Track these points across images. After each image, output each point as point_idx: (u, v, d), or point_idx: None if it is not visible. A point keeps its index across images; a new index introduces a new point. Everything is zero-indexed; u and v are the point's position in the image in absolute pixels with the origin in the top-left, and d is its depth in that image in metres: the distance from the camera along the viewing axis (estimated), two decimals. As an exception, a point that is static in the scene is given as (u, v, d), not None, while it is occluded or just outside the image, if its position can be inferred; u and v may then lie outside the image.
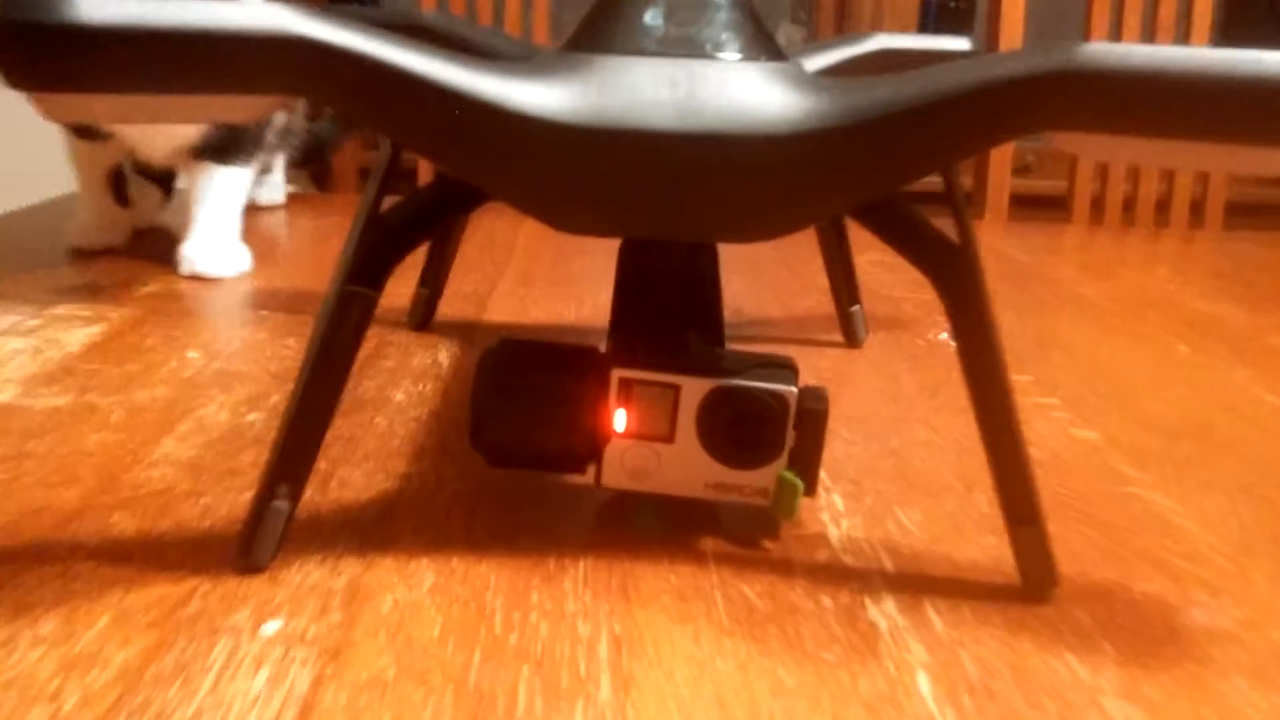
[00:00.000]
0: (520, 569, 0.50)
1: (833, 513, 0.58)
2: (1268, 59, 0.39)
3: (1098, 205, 1.65)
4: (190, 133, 1.00)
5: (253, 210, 1.33)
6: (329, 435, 0.63)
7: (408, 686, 0.41)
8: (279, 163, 1.38)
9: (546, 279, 1.07)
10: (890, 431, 0.70)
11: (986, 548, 0.54)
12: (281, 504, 0.49)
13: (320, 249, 1.18)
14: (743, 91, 0.44)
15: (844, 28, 1.79)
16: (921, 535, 0.55)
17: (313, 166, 1.51)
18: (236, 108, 0.43)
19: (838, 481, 0.61)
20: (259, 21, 0.40)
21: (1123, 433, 0.71)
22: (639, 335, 0.54)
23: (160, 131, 0.99)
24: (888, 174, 0.44)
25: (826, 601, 0.49)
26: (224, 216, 1.03)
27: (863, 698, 0.42)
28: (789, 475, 0.52)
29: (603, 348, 0.55)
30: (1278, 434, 0.72)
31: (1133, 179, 1.64)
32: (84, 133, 1.04)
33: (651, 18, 0.48)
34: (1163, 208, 1.65)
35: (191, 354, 0.79)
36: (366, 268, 0.48)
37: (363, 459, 0.61)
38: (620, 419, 0.52)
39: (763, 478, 0.52)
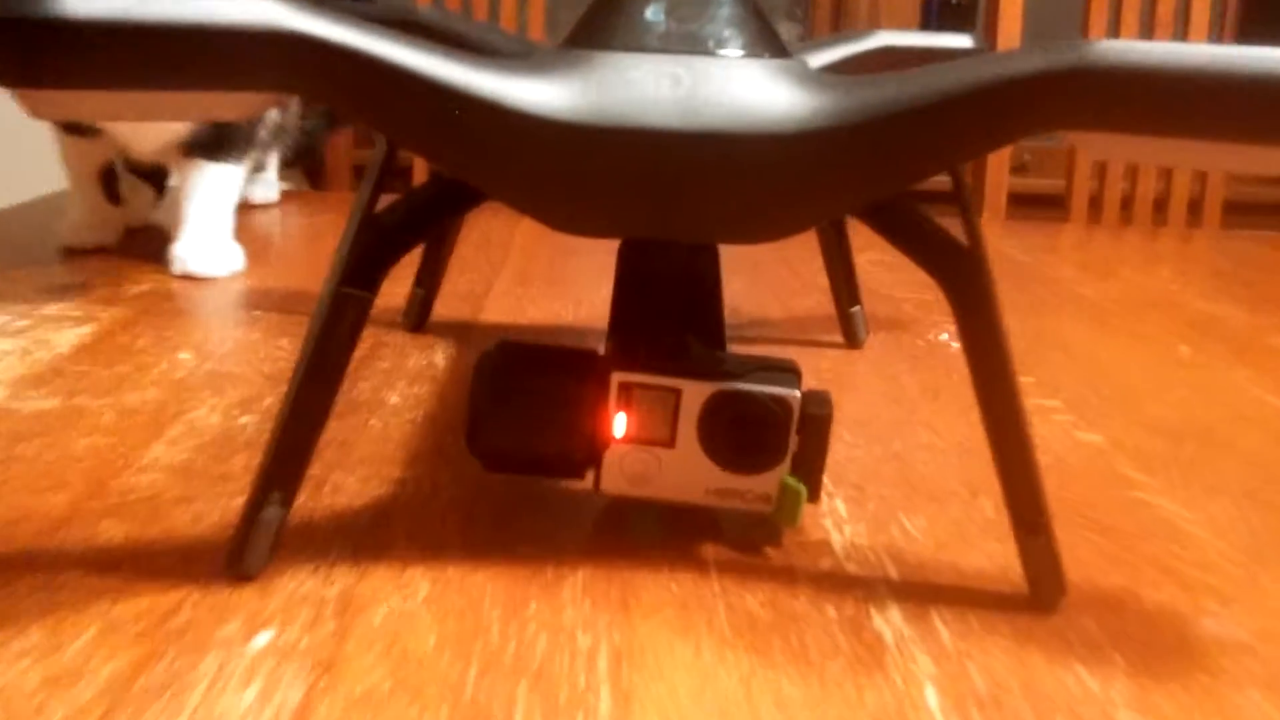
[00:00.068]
0: (518, 578, 0.49)
1: (835, 519, 0.57)
2: (1291, 57, 0.38)
3: (1095, 204, 1.64)
4: (180, 129, 0.98)
5: (246, 208, 1.32)
6: (322, 439, 0.62)
7: (402, 701, 0.40)
8: (273, 160, 1.36)
9: (543, 279, 1.06)
10: (892, 434, 0.69)
11: (993, 555, 0.53)
12: (273, 511, 0.48)
13: (315, 248, 1.16)
14: (747, 89, 0.43)
15: (840, 24, 1.78)
16: (926, 542, 0.54)
17: (304, 163, 1.50)
18: (227, 105, 0.42)
19: (840, 486, 0.60)
20: (251, 16, 0.39)
21: (1127, 436, 0.70)
22: (639, 338, 0.53)
23: (150, 127, 0.98)
24: (895, 174, 0.43)
25: (831, 611, 0.48)
26: (216, 215, 1.02)
27: (869, 711, 0.41)
28: (792, 481, 0.51)
29: (602, 350, 0.54)
30: (1284, 437, 0.71)
31: (1130, 178, 1.63)
32: (74, 129, 1.03)
33: (653, 13, 0.47)
34: (1160, 206, 1.65)
35: (183, 355, 0.77)
36: (361, 269, 0.47)
37: (357, 464, 0.60)
38: (620, 423, 0.51)
39: (765, 483, 0.51)
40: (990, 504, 0.59)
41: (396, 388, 0.73)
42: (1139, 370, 0.85)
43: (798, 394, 0.50)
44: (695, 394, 0.50)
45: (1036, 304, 1.05)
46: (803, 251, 1.23)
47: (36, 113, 0.41)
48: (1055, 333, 0.95)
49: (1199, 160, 0.40)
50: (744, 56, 0.45)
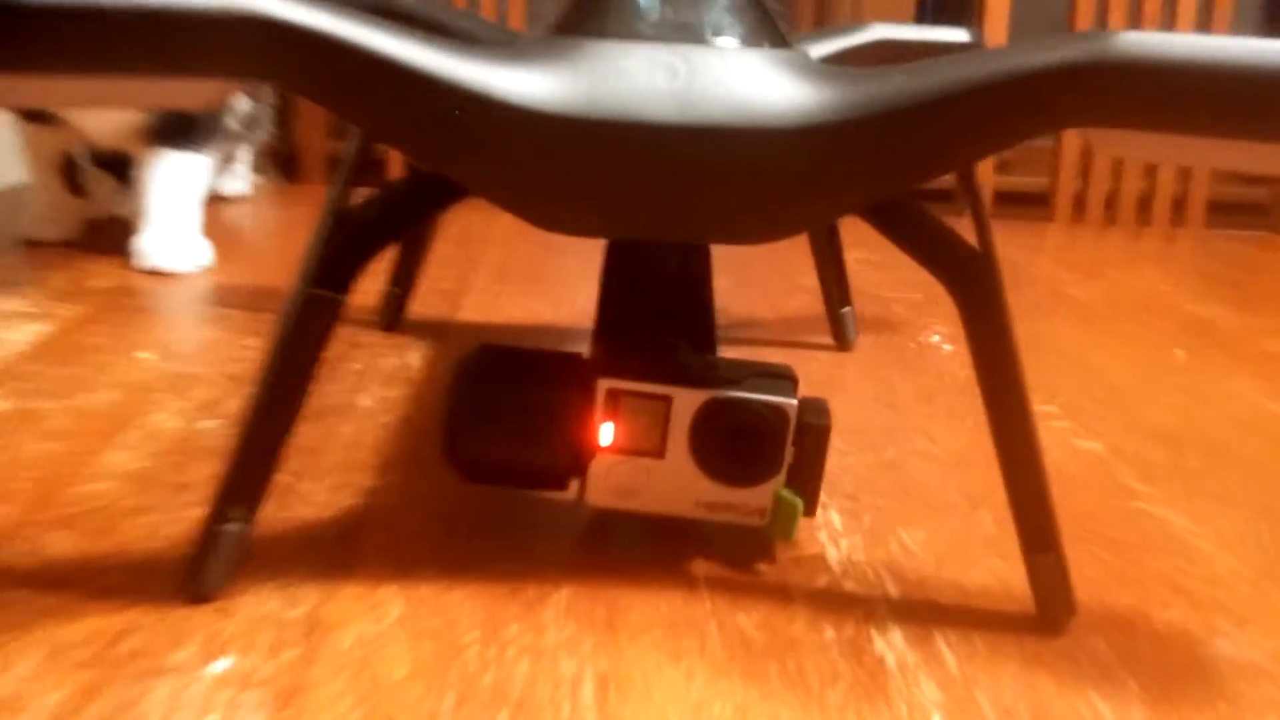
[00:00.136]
0: (497, 597, 0.46)
1: (831, 531, 0.54)
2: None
3: (1079, 202, 1.62)
4: (142, 114, 0.95)
5: (216, 201, 1.28)
6: (290, 446, 0.58)
7: (372, 736, 0.37)
8: (244, 152, 1.32)
9: (524, 276, 1.03)
10: (887, 441, 0.66)
11: (996, 571, 0.51)
12: (233, 527, 0.45)
13: (286, 243, 1.13)
14: (746, 81, 0.41)
15: (823, 12, 1.75)
16: (926, 557, 0.52)
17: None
18: (187, 93, 0.39)
19: (834, 496, 0.58)
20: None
21: (1126, 443, 0.68)
22: (627, 342, 0.50)
23: (110, 112, 0.94)
24: (904, 171, 0.41)
25: (829, 633, 0.45)
26: (181, 207, 0.98)
27: (874, 746, 0.38)
28: (787, 494, 0.48)
29: (586, 354, 0.51)
30: (1288, 446, 0.69)
31: (1115, 176, 1.61)
32: (35, 117, 0.99)
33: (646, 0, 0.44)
34: (1144, 205, 1.63)
35: (144, 355, 0.74)
36: (332, 269, 0.44)
37: (326, 472, 0.57)
38: (607, 433, 0.48)
39: (759, 496, 0.49)
40: (990, 516, 0.56)
41: (369, 390, 0.69)
42: (1134, 374, 0.83)
43: (795, 402, 0.48)
44: (687, 402, 0.48)
45: (1028, 306, 1.03)
46: (790, 250, 1.20)
47: (-2, 99, 0.38)
48: (1048, 335, 0.92)
49: (1225, 159, 0.37)
50: (742, 46, 0.43)
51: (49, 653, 0.41)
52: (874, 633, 0.45)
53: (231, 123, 1.09)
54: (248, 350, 0.76)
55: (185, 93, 0.39)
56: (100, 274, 0.94)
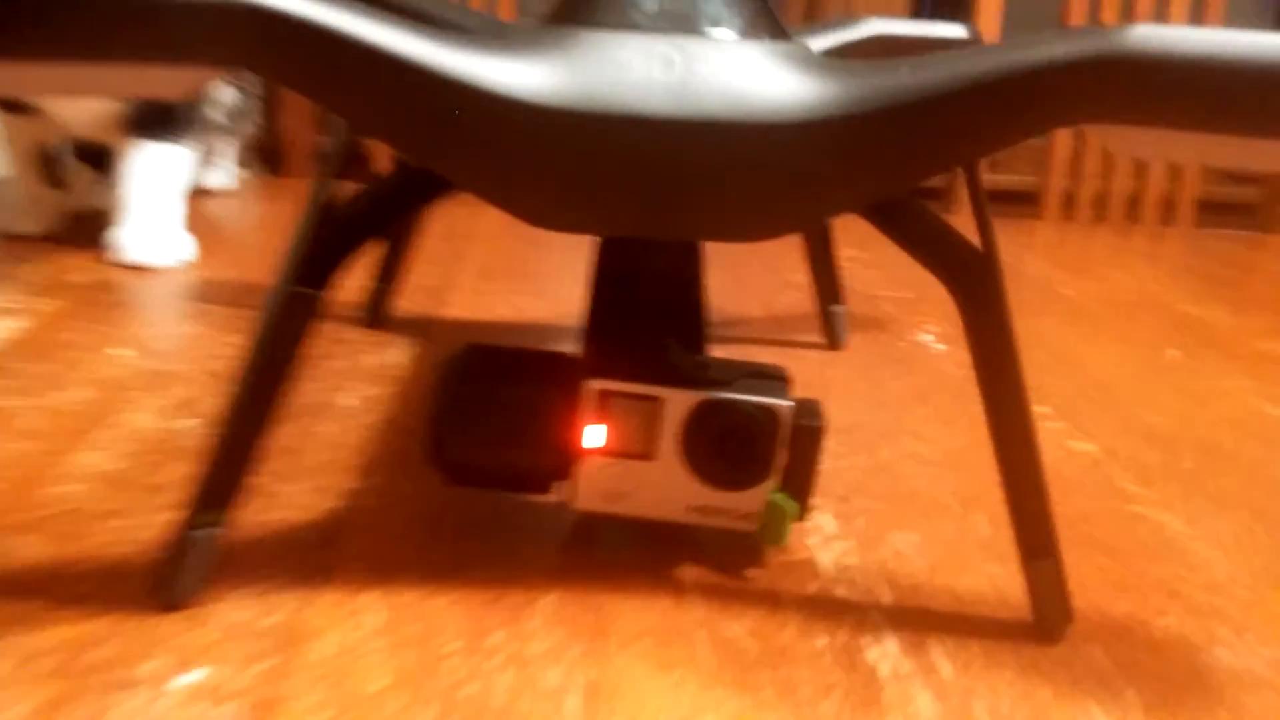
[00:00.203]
0: (480, 604, 0.45)
1: (822, 535, 0.53)
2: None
3: (1069, 201, 1.62)
4: (120, 103, 0.93)
5: (199, 195, 1.26)
6: (268, 445, 0.57)
7: (350, 750, 0.36)
8: (229, 144, 1.30)
9: (510, 272, 1.02)
10: (879, 442, 0.65)
11: (992, 577, 0.50)
12: (207, 532, 0.43)
13: (271, 237, 1.11)
14: (745, 73, 0.39)
15: (813, 6, 1.73)
16: (920, 562, 0.51)
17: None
18: (169, 81, 0.37)
19: (826, 499, 0.57)
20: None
21: (1121, 445, 0.67)
22: (617, 342, 0.49)
23: (88, 101, 0.92)
24: (907, 168, 0.39)
25: (822, 641, 0.44)
26: (162, 200, 0.96)
27: (869, 760, 0.37)
28: (779, 498, 0.47)
29: (575, 353, 0.50)
30: (1284, 448, 0.68)
31: (1105, 175, 1.61)
32: (12, 107, 0.97)
33: (637, -13, 0.43)
34: (1133, 204, 1.63)
35: (121, 351, 0.72)
36: (314, 266, 0.43)
37: (305, 473, 0.56)
38: (595, 435, 0.47)
39: (751, 500, 0.47)
40: (985, 520, 0.55)
41: (351, 389, 0.68)
42: (1127, 374, 0.82)
43: (788, 404, 0.47)
44: (678, 404, 0.46)
45: (1019, 304, 1.02)
46: (780, 246, 1.19)
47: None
48: (1040, 334, 0.92)
49: (1239, 157, 0.36)
50: (741, 38, 0.41)
51: (16, 663, 0.39)
52: (867, 641, 0.44)
53: (215, 114, 1.07)
54: (229, 347, 0.74)
55: (166, 81, 0.37)
56: (78, 268, 0.92)
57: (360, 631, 0.42)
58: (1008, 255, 1.27)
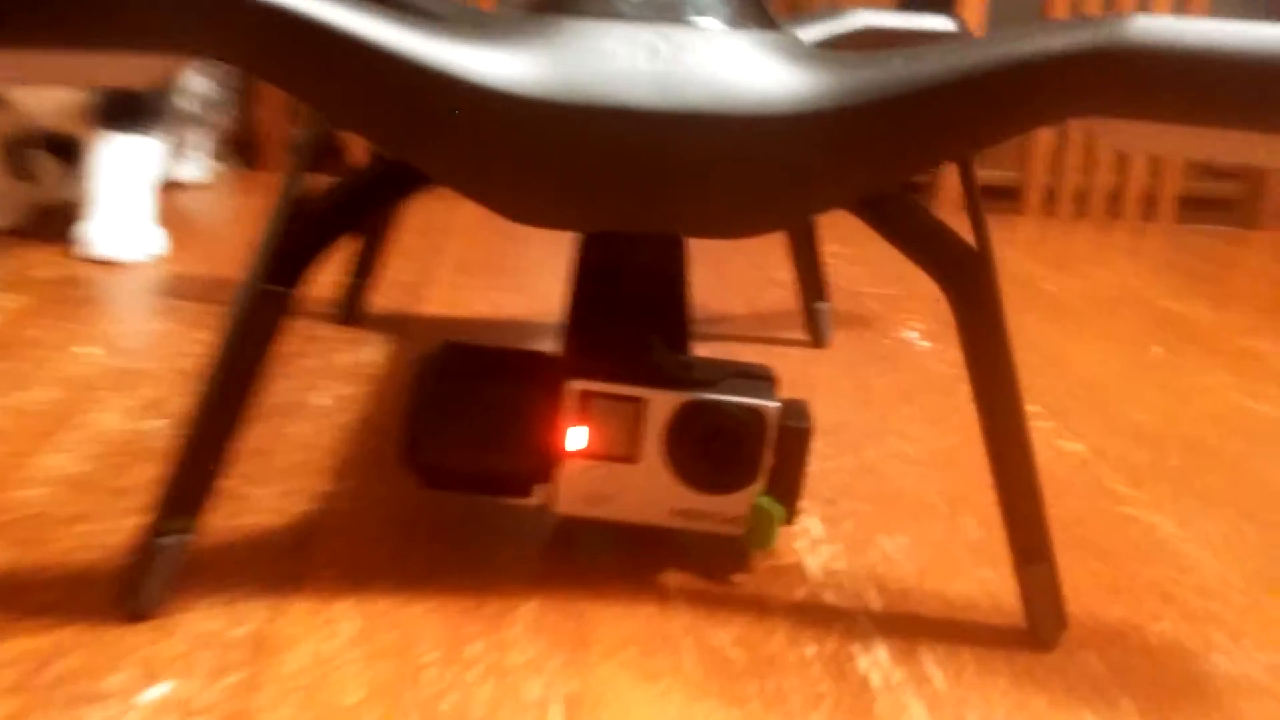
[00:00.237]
0: (458, 612, 0.43)
1: (809, 539, 0.52)
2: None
3: (1050, 196, 1.61)
4: (82, 91, 0.90)
5: (171, 188, 1.23)
6: (239, 447, 0.55)
7: (322, 769, 0.34)
8: (202, 136, 1.28)
9: (489, 267, 1.00)
10: (865, 442, 0.64)
11: (983, 581, 0.49)
12: (175, 539, 0.41)
13: (246, 231, 1.09)
14: (732, 64, 0.38)
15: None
16: (909, 566, 0.50)
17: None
18: (135, 69, 0.36)
19: (812, 501, 0.55)
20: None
21: (1109, 444, 0.66)
22: (599, 341, 0.48)
23: (52, 91, 0.90)
24: (901, 163, 0.38)
25: (810, 649, 0.43)
26: (131, 193, 0.94)
27: (861, 774, 0.36)
28: (766, 502, 0.46)
29: (555, 351, 0.49)
30: (1273, 449, 0.68)
31: (1086, 170, 1.61)
32: (-24, 99, 0.95)
33: (621, -26, 0.41)
34: (1114, 199, 1.63)
35: (88, 349, 0.70)
36: (285, 263, 0.41)
37: (277, 476, 0.54)
38: (577, 436, 0.45)
39: (736, 504, 0.46)
40: (973, 521, 0.54)
41: (325, 388, 0.66)
42: (1112, 371, 0.81)
43: (775, 405, 0.45)
44: (662, 405, 0.45)
45: (1004, 301, 1.01)
46: (763, 241, 1.18)
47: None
48: (1025, 332, 0.91)
49: (1239, 153, 0.35)
50: (728, 27, 0.40)
51: (-29, 677, 0.38)
52: (857, 649, 0.43)
53: (187, 104, 1.05)
54: (199, 345, 0.73)
55: (133, 69, 0.36)
56: (45, 263, 0.90)
57: (334, 641, 0.41)
58: (990, 251, 1.26)
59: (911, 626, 0.45)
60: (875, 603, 0.46)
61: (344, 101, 0.37)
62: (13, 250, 0.93)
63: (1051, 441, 0.66)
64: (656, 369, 0.46)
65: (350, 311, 0.79)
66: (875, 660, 0.42)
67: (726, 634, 0.43)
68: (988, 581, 0.49)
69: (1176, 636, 0.46)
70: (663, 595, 0.46)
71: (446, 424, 0.46)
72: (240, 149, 1.47)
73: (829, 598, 0.47)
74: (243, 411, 0.41)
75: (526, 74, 0.37)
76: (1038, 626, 0.44)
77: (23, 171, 1.01)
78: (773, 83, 0.37)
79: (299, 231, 0.42)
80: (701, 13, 0.40)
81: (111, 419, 0.59)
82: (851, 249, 1.17)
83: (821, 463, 0.60)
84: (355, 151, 1.42)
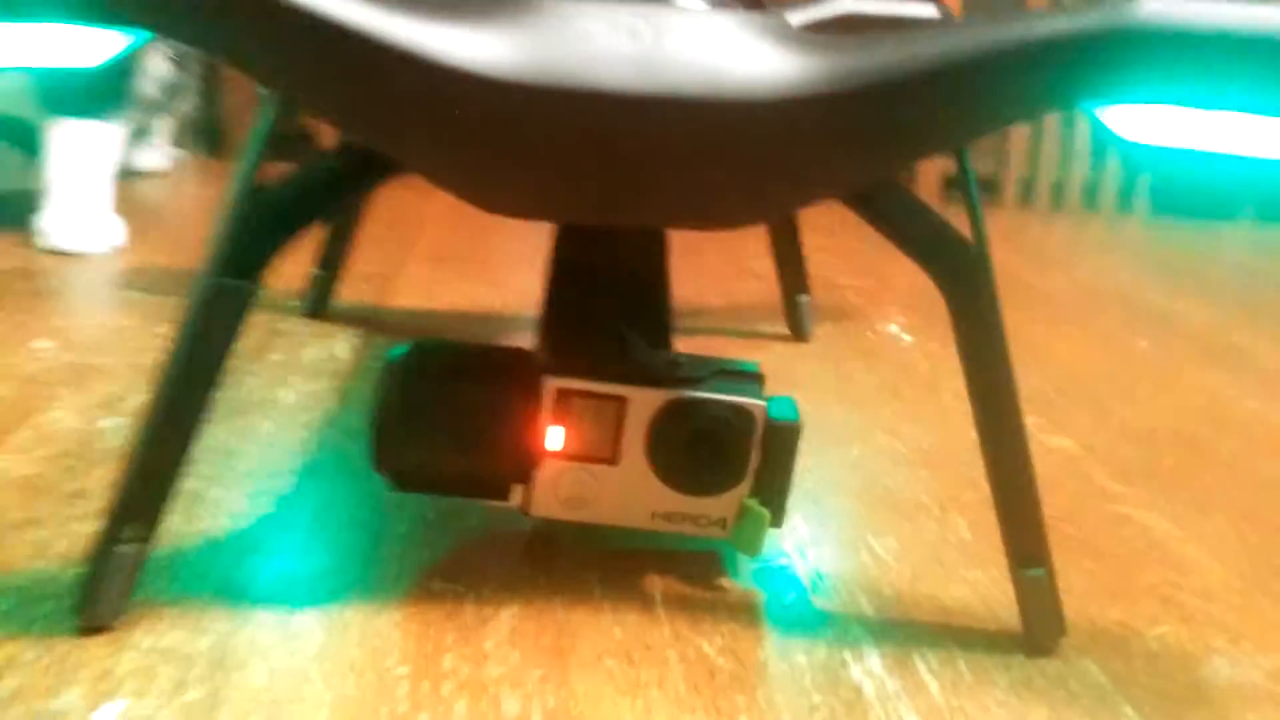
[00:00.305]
0: (431, 621, 0.41)
1: (797, 540, 0.50)
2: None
3: (1027, 188, 1.61)
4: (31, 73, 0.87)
5: (131, 177, 1.20)
6: (200, 447, 0.53)
7: (286, 796, 0.32)
8: (163, 123, 1.24)
9: (460, 258, 0.98)
10: (851, 439, 0.62)
11: (975, 585, 0.47)
12: (130, 547, 0.39)
13: (208, 222, 1.06)
14: (718, 46, 0.36)
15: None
16: (901, 569, 0.48)
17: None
18: (81, 46, 0.34)
19: (799, 500, 0.54)
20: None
21: (1099, 441, 0.65)
22: (577, 336, 0.46)
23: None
24: (895, 151, 0.36)
25: (800, 658, 0.41)
26: (88, 181, 0.91)
27: (857, 793, 0.34)
28: (753, 504, 0.44)
29: (530, 346, 0.46)
30: (1266, 445, 0.66)
31: (1063, 162, 1.60)
32: (-74, 84, 0.91)
33: (601, -50, 0.39)
34: (1090, 192, 1.62)
35: (41, 344, 0.67)
36: (243, 255, 0.39)
37: (241, 477, 0.51)
38: (555, 437, 0.43)
39: (722, 506, 0.44)
40: (964, 521, 0.53)
41: (291, 383, 0.64)
42: (1098, 366, 0.80)
43: (763, 403, 0.43)
44: (644, 403, 0.43)
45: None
46: (739, 232, 1.16)
47: None
48: (1009, 326, 0.89)
49: (1256, 142, 0.34)
50: (713, 7, 0.38)
51: (-92, 697, 0.35)
52: (849, 657, 0.41)
53: (148, 89, 1.01)
54: (158, 339, 0.70)
55: (79, 46, 0.34)
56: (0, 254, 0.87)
57: (298, 657, 0.39)
58: (969, 243, 1.25)
59: (904, 633, 0.43)
60: (866, 607, 0.45)
61: (306, 84, 0.35)
62: (-35, 241, 0.90)
63: (1039, 438, 0.65)
64: (638, 366, 0.44)
65: (317, 304, 0.76)
66: (868, 669, 0.41)
67: (712, 644, 0.41)
68: (980, 584, 0.47)
69: (1177, 641, 0.44)
70: (646, 602, 0.44)
71: (417, 425, 0.44)
72: (206, 136, 1.43)
73: (819, 603, 0.45)
74: (200, 412, 0.39)
75: (499, 55, 0.35)
76: (1035, 632, 0.43)
77: (-23, 159, 0.98)
78: (761, 66, 0.35)
79: (257, 222, 0.39)
80: (688, -10, 0.38)
81: (66, 418, 0.57)
82: (828, 240, 1.15)
83: (807, 460, 0.59)
84: (326, 138, 1.38)
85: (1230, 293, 1.08)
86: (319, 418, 0.59)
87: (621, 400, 0.43)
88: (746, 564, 0.47)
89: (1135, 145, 0.38)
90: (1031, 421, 0.67)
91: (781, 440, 0.44)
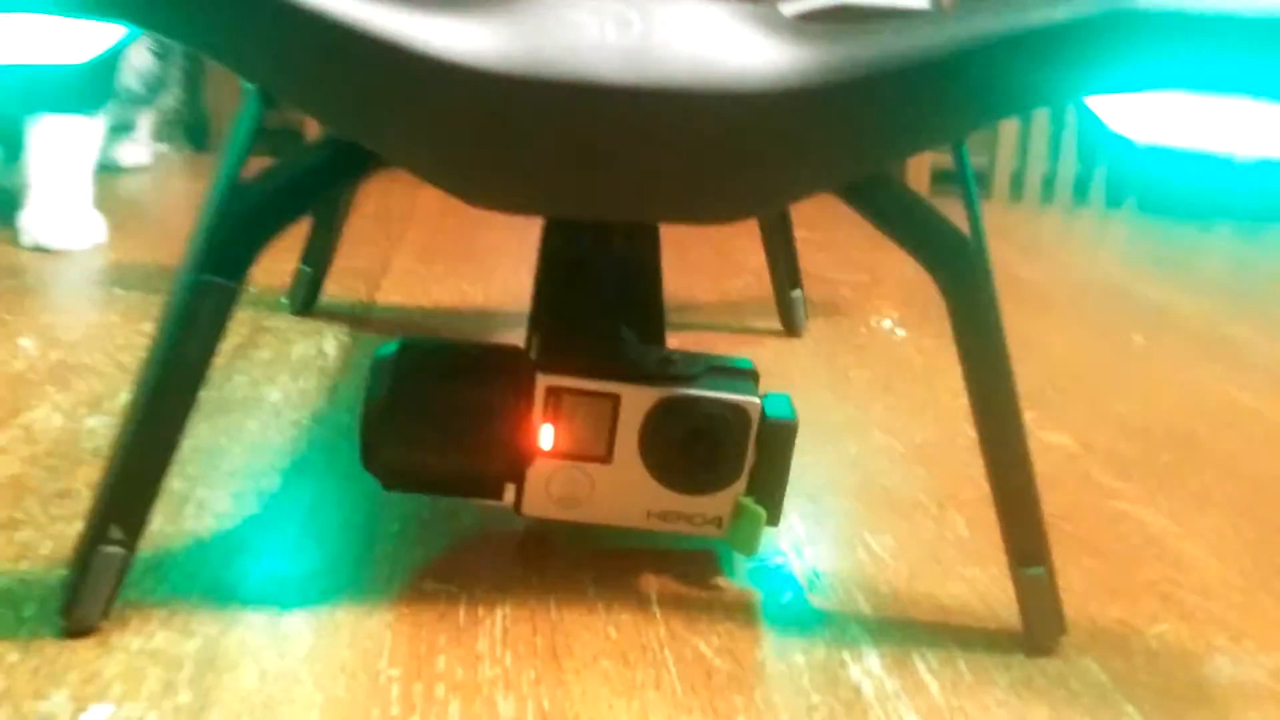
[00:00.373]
0: (423, 623, 0.41)
1: (793, 538, 0.49)
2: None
3: (1016, 182, 1.61)
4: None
5: (114, 172, 1.18)
6: (186, 447, 0.52)
7: (276, 803, 0.32)
8: (146, 117, 1.23)
9: (449, 254, 0.97)
10: (846, 436, 0.62)
11: (974, 583, 0.47)
12: (115, 549, 0.38)
13: (191, 218, 1.04)
14: (710, 36, 0.35)
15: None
16: (898, 568, 0.47)
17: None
18: (58, 43, 0.33)
19: (795, 497, 0.53)
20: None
21: (1096, 437, 0.64)
22: (568, 334, 0.45)
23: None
24: (890, 143, 0.36)
25: (798, 658, 0.40)
26: (68, 177, 0.89)
27: (858, 796, 0.34)
28: (749, 502, 0.43)
29: (522, 344, 0.46)
30: (1262, 441, 0.66)
31: (1053, 156, 1.60)
32: (-94, 78, 0.90)
33: (593, -62, 0.38)
34: (1080, 185, 1.62)
35: (24, 342, 0.66)
36: (225, 251, 0.38)
37: (227, 477, 0.51)
38: (547, 435, 0.43)
39: (717, 505, 0.44)
40: (962, 519, 0.52)
41: (278, 382, 0.63)
42: (1093, 361, 0.79)
43: (758, 400, 0.43)
44: (637, 401, 0.42)
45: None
46: (731, 227, 1.15)
47: None
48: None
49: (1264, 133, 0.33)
50: (705, -6, 0.37)
51: (-112, 704, 0.34)
52: (848, 657, 0.41)
53: (130, 83, 1.00)
54: (143, 337, 0.69)
55: (66, 43, 0.33)
56: (-19, 251, 0.86)
57: (288, 659, 0.38)
58: (960, 237, 1.25)
59: (903, 632, 0.43)
60: (864, 606, 0.44)
61: (288, 75, 0.34)
62: (-53, 237, 0.89)
63: (1035, 433, 0.64)
64: (630, 363, 0.43)
65: (305, 301, 0.75)
66: (867, 669, 0.40)
67: (709, 644, 0.41)
68: (978, 582, 0.47)
69: (1178, 639, 0.44)
70: (641, 602, 0.43)
71: (407, 423, 0.43)
72: (189, 131, 1.42)
73: (816, 602, 0.44)
74: (185, 411, 0.38)
75: (486, 46, 0.34)
76: (1035, 631, 0.42)
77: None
78: (754, 57, 0.35)
79: (240, 217, 0.39)
80: (682, -22, 0.37)
81: (48, 416, 0.56)
82: (818, 234, 1.15)
83: (803, 457, 0.58)
84: (312, 131, 1.37)
85: (1223, 286, 1.08)
86: (308, 416, 0.58)
87: (614, 398, 0.42)
88: (742, 563, 0.47)
89: (1129, 143, 0.38)
90: (1028, 417, 0.66)
91: (777, 438, 0.43)
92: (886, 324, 0.84)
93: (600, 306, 0.47)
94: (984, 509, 0.45)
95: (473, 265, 0.93)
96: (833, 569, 0.47)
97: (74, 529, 0.45)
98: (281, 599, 0.41)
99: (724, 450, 0.43)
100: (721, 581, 0.45)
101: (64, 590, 0.38)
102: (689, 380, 0.43)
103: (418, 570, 0.44)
